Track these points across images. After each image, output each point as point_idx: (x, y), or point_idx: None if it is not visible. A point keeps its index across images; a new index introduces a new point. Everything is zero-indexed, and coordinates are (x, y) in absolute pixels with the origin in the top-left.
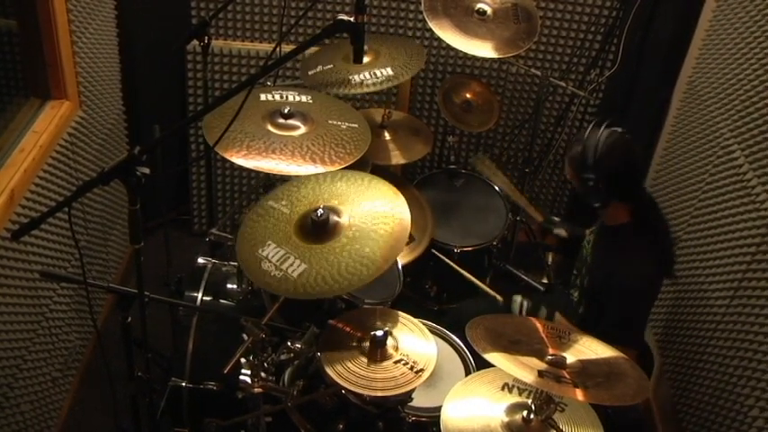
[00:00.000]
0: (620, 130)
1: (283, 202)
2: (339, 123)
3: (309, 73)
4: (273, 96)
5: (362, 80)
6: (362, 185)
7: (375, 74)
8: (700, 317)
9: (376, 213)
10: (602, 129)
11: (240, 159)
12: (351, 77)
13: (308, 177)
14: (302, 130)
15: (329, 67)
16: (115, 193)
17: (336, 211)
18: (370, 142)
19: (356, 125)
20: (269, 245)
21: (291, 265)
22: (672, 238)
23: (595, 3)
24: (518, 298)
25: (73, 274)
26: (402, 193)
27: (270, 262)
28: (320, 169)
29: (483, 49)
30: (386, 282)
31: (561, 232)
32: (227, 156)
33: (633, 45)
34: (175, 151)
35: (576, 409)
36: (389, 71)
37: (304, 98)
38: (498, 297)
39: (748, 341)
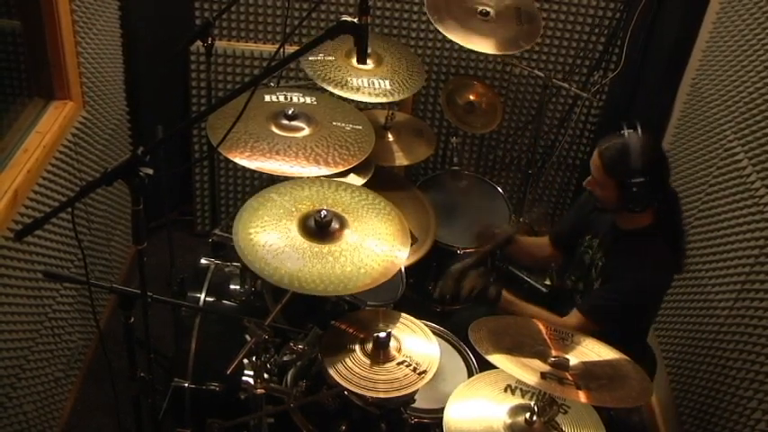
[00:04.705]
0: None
1: (286, 198)
2: (343, 125)
3: (310, 58)
4: (278, 98)
5: (359, 86)
6: (366, 200)
7: (373, 83)
8: (703, 319)
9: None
10: (639, 131)
11: (244, 160)
12: (350, 80)
13: (312, 180)
14: (306, 131)
15: (331, 58)
16: (118, 194)
17: (340, 218)
18: (374, 144)
19: (360, 127)
20: (269, 234)
21: (289, 257)
22: (686, 236)
23: (599, 4)
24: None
25: (76, 274)
26: (405, 194)
27: (267, 250)
28: (324, 171)
29: (483, 46)
30: (389, 283)
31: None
32: (230, 157)
33: (637, 47)
34: (178, 152)
35: (578, 410)
36: (387, 85)
37: (308, 99)
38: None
39: (751, 343)
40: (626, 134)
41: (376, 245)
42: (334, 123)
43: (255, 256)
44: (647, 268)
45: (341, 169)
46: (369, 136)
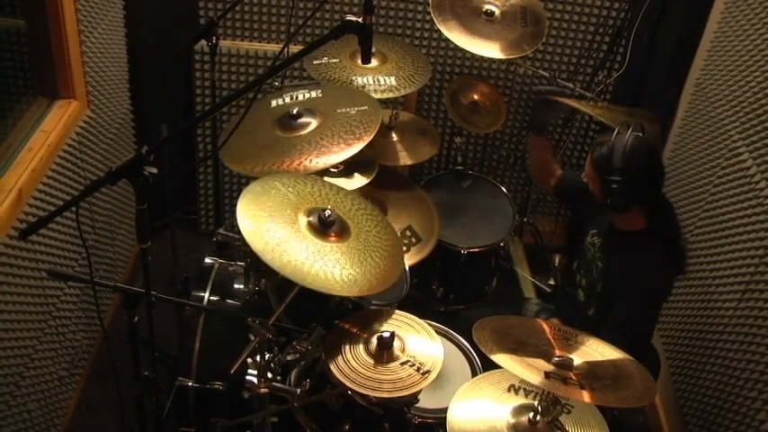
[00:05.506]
0: (642, 135)
1: (290, 189)
2: (348, 110)
3: (314, 62)
4: (284, 100)
5: (364, 84)
6: (366, 211)
7: (378, 80)
8: (707, 319)
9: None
10: (630, 132)
11: (256, 173)
12: (354, 78)
13: (315, 179)
14: (314, 125)
15: (335, 60)
16: (122, 193)
17: (343, 222)
18: (378, 144)
19: (366, 107)
20: (274, 220)
21: (292, 247)
22: (684, 240)
23: (603, 4)
24: (529, 304)
25: (80, 273)
26: (409, 193)
27: (272, 235)
28: (332, 159)
29: (488, 49)
30: (393, 283)
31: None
32: (243, 171)
33: (641, 47)
34: (182, 151)
35: (582, 410)
36: (393, 81)
37: (314, 93)
38: (547, 288)
39: (756, 344)
40: (618, 133)
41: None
42: (339, 110)
43: (261, 238)
44: (644, 278)
45: (347, 152)
46: (375, 114)
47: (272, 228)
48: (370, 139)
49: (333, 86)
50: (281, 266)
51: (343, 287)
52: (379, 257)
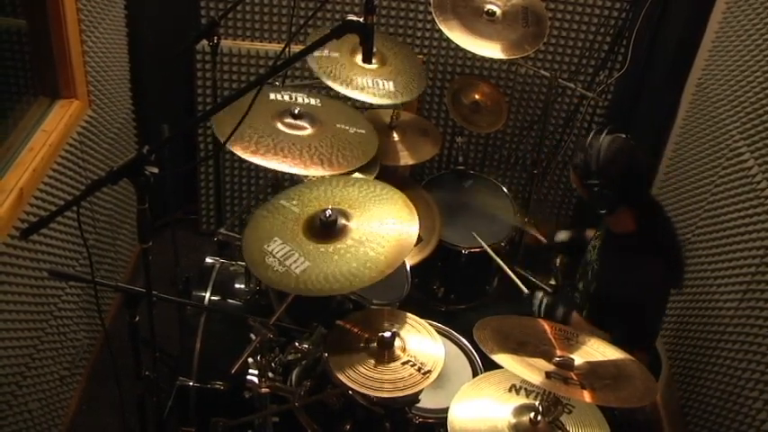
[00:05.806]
0: (623, 135)
1: (294, 202)
2: (347, 128)
3: (315, 54)
4: (283, 96)
5: (364, 86)
6: (374, 193)
7: (377, 83)
8: (708, 320)
9: (384, 222)
10: (604, 135)
11: (248, 155)
12: (354, 78)
13: (320, 180)
14: (310, 131)
15: (336, 55)
16: (124, 193)
17: (346, 215)
18: (380, 143)
19: (363, 131)
20: (275, 241)
21: (295, 261)
22: (680, 244)
23: (605, 4)
24: (539, 294)
25: (81, 273)
26: (410, 193)
27: (274, 257)
28: (327, 171)
29: (489, 49)
30: (394, 283)
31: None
32: (235, 150)
33: (642, 47)
34: (183, 151)
35: (583, 410)
36: (391, 86)
37: (313, 101)
38: (524, 289)
39: (756, 344)
40: (594, 136)
41: (382, 227)
42: (338, 126)
43: (263, 263)
44: (629, 282)
45: (343, 170)
46: (372, 140)
47: (274, 249)
48: (364, 163)
49: (331, 100)
50: (288, 287)
51: (354, 281)
52: (385, 242)
